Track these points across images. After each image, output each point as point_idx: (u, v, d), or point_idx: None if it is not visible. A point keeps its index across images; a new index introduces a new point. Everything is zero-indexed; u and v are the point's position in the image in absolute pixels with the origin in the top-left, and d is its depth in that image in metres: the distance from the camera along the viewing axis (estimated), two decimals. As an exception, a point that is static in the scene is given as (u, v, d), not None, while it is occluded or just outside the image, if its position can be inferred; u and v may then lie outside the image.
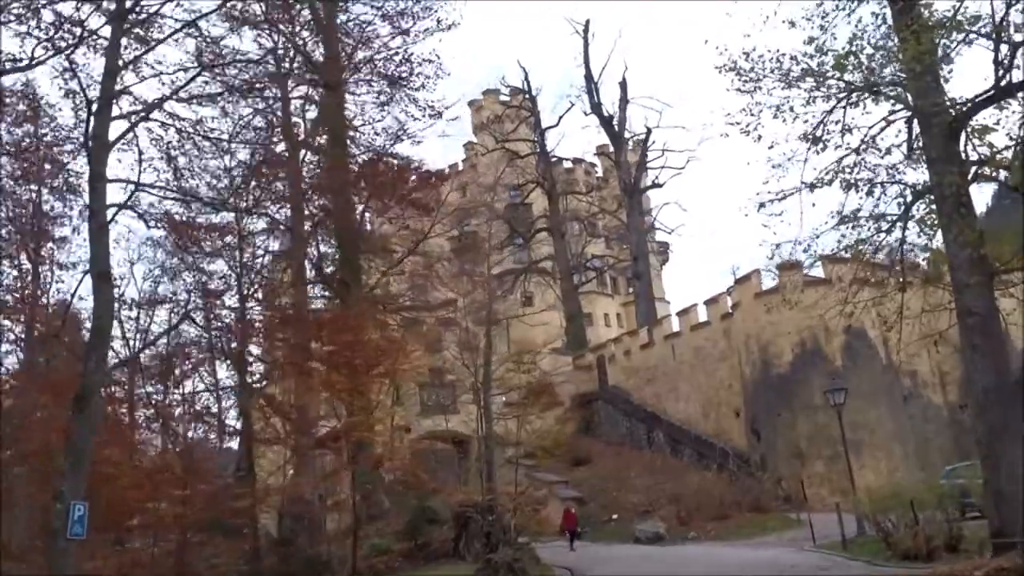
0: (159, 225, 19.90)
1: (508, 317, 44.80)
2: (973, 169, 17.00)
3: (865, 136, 18.32)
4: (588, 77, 55.91)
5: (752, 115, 19.58)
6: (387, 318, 36.22)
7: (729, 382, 36.60)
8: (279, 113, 34.87)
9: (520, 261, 66.10)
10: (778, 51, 18.04)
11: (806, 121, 18.55)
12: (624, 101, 55.26)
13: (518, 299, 64.37)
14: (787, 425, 32.20)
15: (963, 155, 17.59)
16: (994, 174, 17.72)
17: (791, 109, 18.64)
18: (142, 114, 15.04)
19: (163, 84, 16.53)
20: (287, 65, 34.89)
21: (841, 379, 30.63)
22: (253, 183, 28.92)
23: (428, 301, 46.80)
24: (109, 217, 14.19)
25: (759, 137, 19.52)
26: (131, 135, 15.03)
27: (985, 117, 17.88)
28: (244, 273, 26.85)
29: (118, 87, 14.87)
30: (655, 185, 57.10)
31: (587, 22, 56.93)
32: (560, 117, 60.57)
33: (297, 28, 34.98)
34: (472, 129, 71.40)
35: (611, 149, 58.57)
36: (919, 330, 23.61)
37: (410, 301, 38.87)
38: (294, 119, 35.69)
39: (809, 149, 18.94)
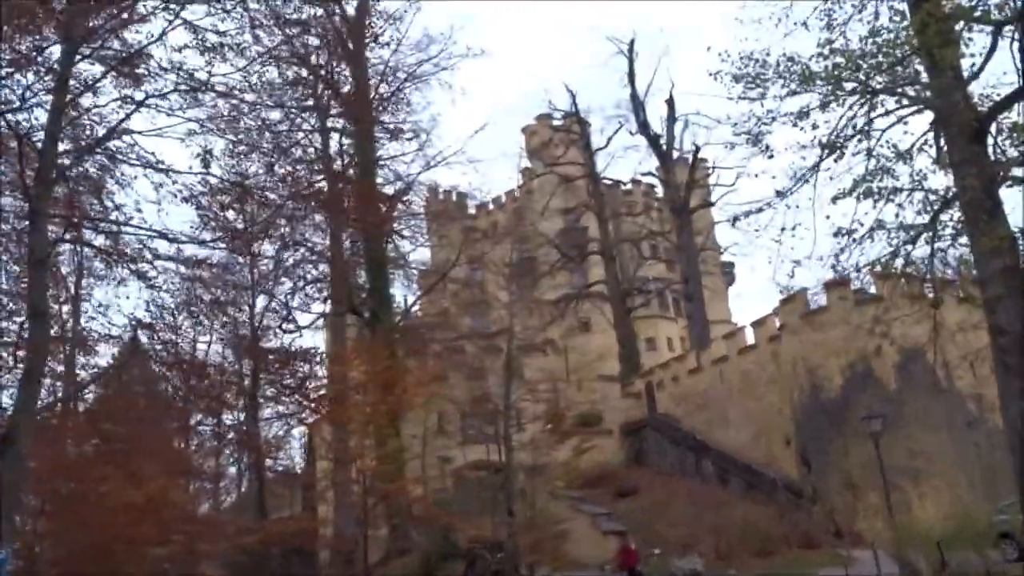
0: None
1: (530, 345, 43.70)
2: (1001, 171, 15.50)
3: (881, 139, 17.02)
4: (634, 96, 54.92)
5: (764, 123, 18.54)
6: (422, 348, 35.94)
7: (779, 408, 34.69)
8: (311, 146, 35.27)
9: (576, 286, 65.29)
10: (784, 54, 16.93)
11: (815, 127, 17.39)
12: (671, 119, 54.00)
13: (574, 324, 63.52)
14: (839, 453, 30.18)
15: (991, 157, 16.11)
16: (1028, 176, 16.15)
17: (806, 115, 17.53)
18: (95, 148, 14.92)
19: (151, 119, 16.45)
20: (316, 99, 35.35)
21: (889, 404, 28.76)
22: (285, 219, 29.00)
23: (472, 328, 46.47)
24: (49, 253, 14.06)
25: (767, 147, 18.42)
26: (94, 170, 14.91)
27: (1016, 114, 16.43)
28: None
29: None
30: (706, 204, 55.42)
31: (631, 41, 56.03)
32: (609, 138, 59.32)
33: (326, 60, 35.41)
34: (527, 155, 71.28)
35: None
36: (964, 349, 21.75)
37: (450, 330, 38.42)
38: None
39: (823, 157, 17.77)
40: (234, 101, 16.00)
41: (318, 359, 31.49)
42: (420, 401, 27.02)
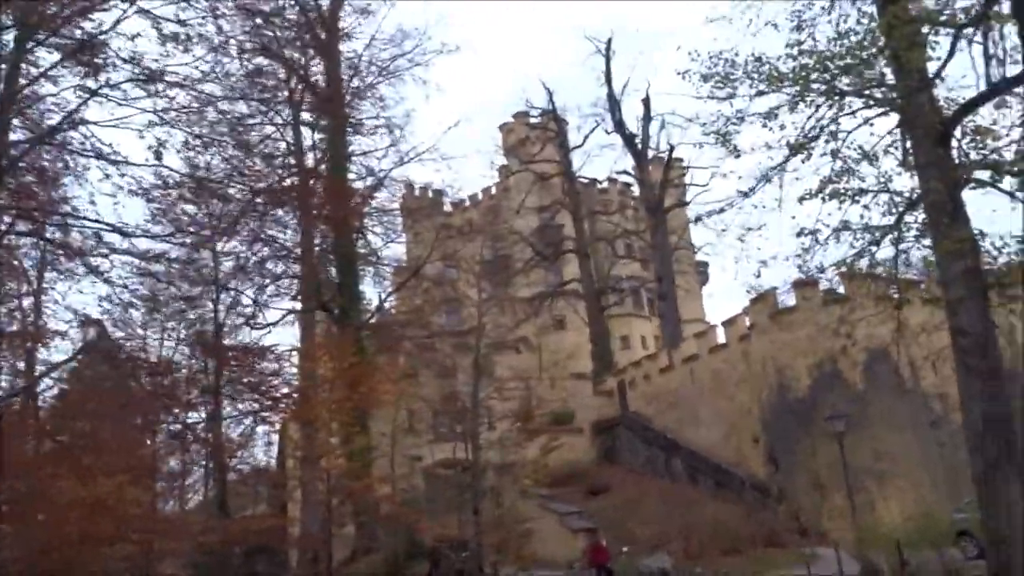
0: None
1: (501, 343, 43.62)
2: (964, 174, 15.59)
3: (847, 141, 17.07)
4: (610, 95, 54.99)
5: (733, 123, 18.53)
6: (393, 345, 35.67)
7: (749, 407, 34.84)
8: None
9: (551, 284, 65.27)
10: (752, 54, 16.91)
11: (783, 128, 17.41)
12: (647, 119, 54.09)
13: (547, 322, 63.53)
14: (806, 453, 30.36)
15: (956, 159, 16.21)
16: (994, 179, 16.25)
17: (775, 116, 17.54)
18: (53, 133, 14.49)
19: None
20: (290, 92, 34.92)
21: (855, 404, 29.00)
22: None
23: (442, 326, 46.24)
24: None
25: (735, 147, 18.42)
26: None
27: (980, 117, 16.53)
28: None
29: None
30: (680, 203, 55.60)
31: (609, 40, 56.08)
32: (585, 137, 59.26)
33: (299, 54, 35.00)
34: (504, 152, 71.14)
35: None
36: (928, 349, 21.88)
37: (420, 328, 38.11)
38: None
39: (789, 157, 17.79)
40: (194, 92, 15.63)
41: (283, 356, 31.19)
42: (388, 399, 26.78)
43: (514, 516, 28.33)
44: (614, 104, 54.93)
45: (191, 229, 17.09)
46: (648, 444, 40.01)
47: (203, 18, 15.15)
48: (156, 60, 14.64)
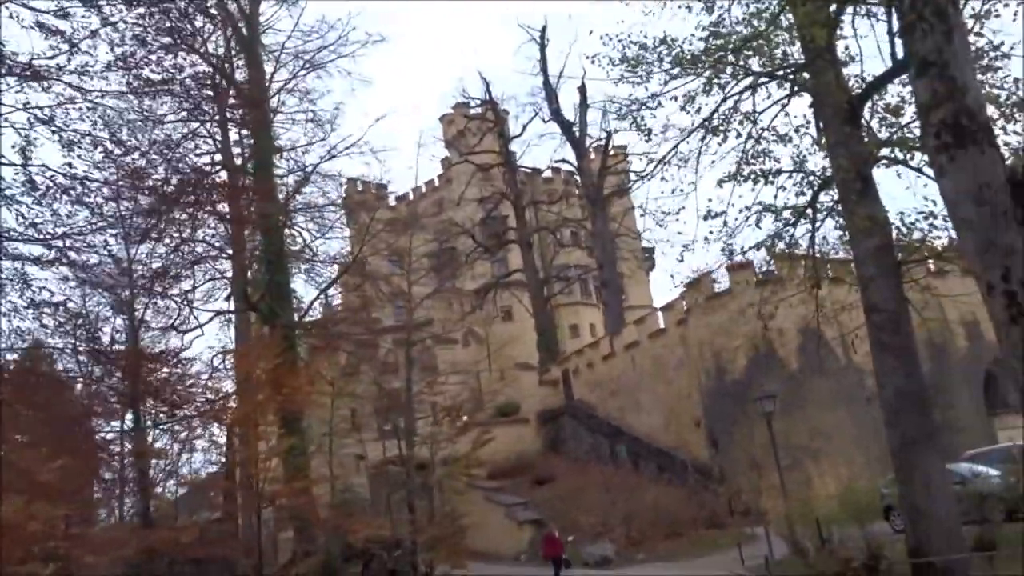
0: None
1: (443, 337, 43.26)
2: (873, 152, 15.66)
3: (762, 122, 17.06)
4: (546, 83, 54.77)
5: (648, 107, 18.37)
6: (331, 343, 34.97)
7: (688, 391, 35.04)
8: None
9: (498, 275, 64.91)
10: (665, 37, 16.73)
11: (699, 111, 17.31)
12: (584, 106, 54.02)
13: (493, 314, 63.17)
14: (744, 434, 30.61)
15: (867, 138, 16.28)
16: (906, 156, 16.37)
17: (692, 99, 17.42)
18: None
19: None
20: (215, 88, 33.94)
21: (790, 383, 29.35)
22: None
23: (381, 321, 45.59)
24: None
25: (648, 131, 18.26)
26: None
27: (891, 95, 16.63)
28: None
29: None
30: (620, 190, 55.57)
31: (543, 28, 55.85)
32: (524, 126, 58.96)
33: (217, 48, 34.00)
34: (445, 144, 70.50)
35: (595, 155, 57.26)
36: (849, 327, 22.02)
37: (356, 324, 37.42)
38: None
39: (704, 139, 17.70)
40: (78, 89, 14.77)
41: (207, 361, 30.45)
42: (320, 399, 26.18)
43: (454, 511, 27.99)
44: (550, 92, 54.78)
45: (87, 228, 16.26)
46: (592, 432, 40.04)
47: (87, 10, 14.32)
48: (39, 56, 13.81)
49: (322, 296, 34.60)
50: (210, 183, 32.20)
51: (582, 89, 54.08)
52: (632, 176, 57.50)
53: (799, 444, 29.58)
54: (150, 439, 28.99)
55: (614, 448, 38.07)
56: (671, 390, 36.13)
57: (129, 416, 24.64)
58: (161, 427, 25.40)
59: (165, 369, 23.20)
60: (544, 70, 54.74)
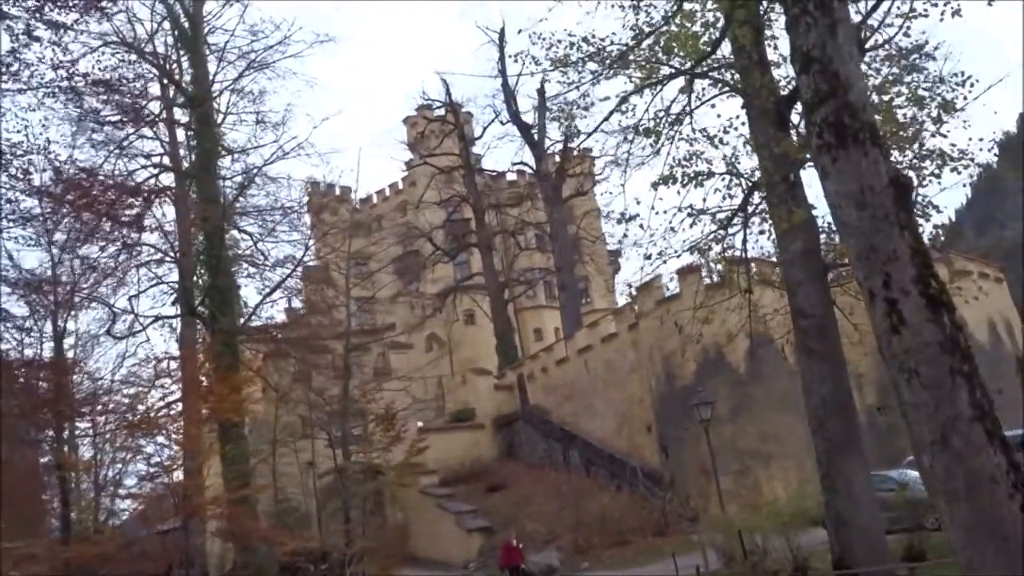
0: None
1: (373, 341, 42.64)
2: (801, 154, 15.39)
3: (695, 123, 16.76)
4: (505, 85, 54.32)
5: (581, 108, 18.07)
6: (279, 349, 34.27)
7: (640, 396, 34.73)
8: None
9: (460, 279, 64.33)
10: (583, 36, 16.38)
11: (627, 112, 17.02)
12: (543, 108, 53.48)
13: (454, 317, 62.51)
14: (694, 440, 30.26)
15: (794, 140, 16.02)
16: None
17: (626, 99, 17.11)
18: None
19: None
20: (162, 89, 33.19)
21: (740, 388, 29.15)
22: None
23: (341, 325, 44.80)
24: None
25: (577, 131, 17.93)
26: None
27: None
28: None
29: None
30: (579, 193, 55.32)
31: (502, 30, 55.38)
32: (484, 128, 58.40)
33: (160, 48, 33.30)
34: (407, 146, 69.86)
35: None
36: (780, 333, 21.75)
37: (303, 328, 36.66)
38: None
39: (633, 141, 17.42)
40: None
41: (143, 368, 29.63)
42: (257, 407, 25.47)
43: (399, 520, 27.39)
44: (509, 95, 54.35)
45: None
46: (546, 437, 39.62)
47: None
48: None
49: (284, 302, 33.92)
50: (148, 188, 31.55)
51: (541, 91, 53.69)
52: (595, 179, 57.56)
53: (748, 449, 29.41)
54: (86, 452, 28.22)
55: (567, 454, 37.66)
56: (624, 395, 35.82)
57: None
58: (84, 437, 24.53)
59: (88, 379, 22.41)
60: (503, 72, 54.29)
